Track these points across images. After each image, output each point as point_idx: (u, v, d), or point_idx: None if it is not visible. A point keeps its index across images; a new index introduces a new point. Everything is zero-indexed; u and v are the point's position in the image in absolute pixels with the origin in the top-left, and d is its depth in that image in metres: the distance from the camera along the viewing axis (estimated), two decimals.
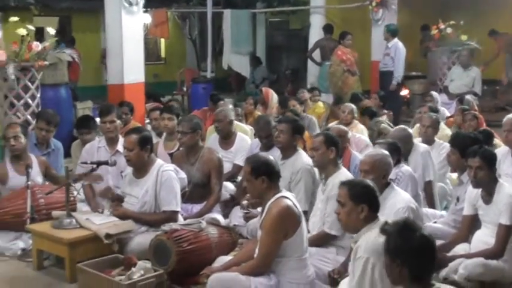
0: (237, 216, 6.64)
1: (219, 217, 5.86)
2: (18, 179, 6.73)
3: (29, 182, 6.39)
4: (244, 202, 6.39)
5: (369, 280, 3.91)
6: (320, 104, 11.77)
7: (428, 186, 6.82)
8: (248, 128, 8.98)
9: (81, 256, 5.51)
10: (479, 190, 5.35)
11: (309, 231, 5.26)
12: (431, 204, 6.76)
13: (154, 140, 7.13)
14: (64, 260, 5.64)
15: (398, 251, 3.32)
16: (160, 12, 16.69)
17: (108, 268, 5.32)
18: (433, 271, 3.40)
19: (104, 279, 5.09)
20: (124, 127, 7.98)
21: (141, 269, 5.10)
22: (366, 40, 14.94)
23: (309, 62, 15.10)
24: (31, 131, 7.80)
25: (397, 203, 4.98)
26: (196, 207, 6.66)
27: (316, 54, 14.55)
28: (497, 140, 7.79)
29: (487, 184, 5.26)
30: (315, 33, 15.26)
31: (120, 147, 6.91)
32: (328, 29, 14.41)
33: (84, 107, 11.66)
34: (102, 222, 5.73)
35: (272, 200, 4.69)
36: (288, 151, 6.40)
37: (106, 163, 6.27)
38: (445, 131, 8.64)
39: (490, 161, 5.27)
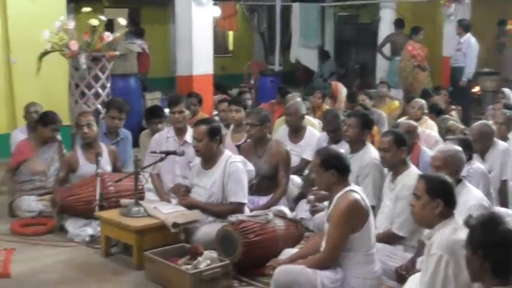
0: (303, 209, 6.63)
1: (286, 210, 5.87)
2: (88, 167, 6.86)
3: (99, 170, 6.49)
4: (311, 196, 6.37)
5: (442, 278, 3.82)
6: (396, 102, 11.58)
7: (503, 185, 6.67)
8: (316, 121, 8.95)
9: (148, 244, 5.58)
10: None
11: (375, 228, 5.21)
12: (505, 204, 6.61)
13: (223, 131, 7.17)
14: (131, 247, 5.72)
15: (481, 243, 3.20)
16: (229, 5, 16.76)
17: (175, 257, 5.39)
18: None
19: (170, 267, 5.16)
20: (192, 118, 8.06)
21: (207, 259, 5.15)
22: (437, 35, 14.72)
23: (378, 57, 14.97)
24: (101, 120, 7.94)
25: (469, 200, 4.88)
26: (263, 200, 6.68)
27: (386, 49, 14.40)
28: None
29: None
30: (385, 28, 15.11)
31: (188, 137, 6.98)
32: (399, 23, 14.24)
33: (153, 98, 11.84)
34: (170, 212, 5.79)
35: (340, 193, 4.66)
36: (357, 145, 6.36)
37: (174, 153, 6.34)
38: None
39: None
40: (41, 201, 7.06)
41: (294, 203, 6.98)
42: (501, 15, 15.65)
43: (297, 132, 7.92)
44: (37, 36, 8.10)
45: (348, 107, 10.30)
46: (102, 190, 6.36)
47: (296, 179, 7.33)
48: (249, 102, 10.42)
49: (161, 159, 6.26)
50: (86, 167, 6.90)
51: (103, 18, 8.38)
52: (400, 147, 5.52)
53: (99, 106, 8.32)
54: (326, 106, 10.60)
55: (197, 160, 6.24)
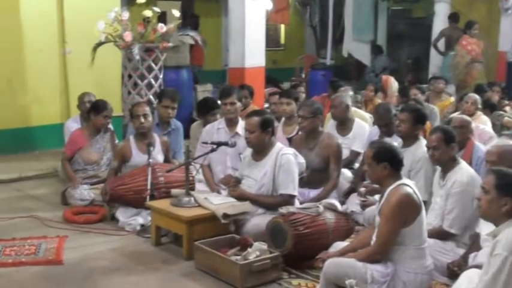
0: (354, 203, 6.58)
1: (336, 203, 5.83)
2: (140, 157, 6.91)
3: (151, 160, 6.56)
4: (362, 189, 6.32)
5: (505, 278, 3.70)
6: (451, 99, 11.43)
7: None
8: (368, 115, 8.88)
9: (198, 234, 5.61)
10: None
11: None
12: None
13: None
14: (181, 237, 5.75)
15: None
16: None
17: (224, 248, 5.41)
18: None
19: (220, 258, 5.18)
20: (243, 110, 8.07)
21: (257, 250, 5.15)
22: (494, 30, 14.46)
23: (432, 52, 14.77)
24: (154, 110, 7.99)
25: None
26: (314, 193, 6.65)
27: (441, 44, 14.21)
28: None
29: None
30: (439, 22, 14.88)
31: (239, 129, 7.00)
32: (454, 17, 14.02)
33: (204, 90, 11.89)
34: (220, 203, 5.81)
35: (392, 186, 4.61)
36: (409, 140, 6.29)
37: (226, 144, 6.34)
38: None
39: None
40: (93, 190, 7.16)
41: (344, 197, 6.94)
42: None
43: (343, 124, 7.87)
44: (92, 28, 8.20)
45: (400, 102, 10.21)
46: (153, 180, 6.41)
47: (346, 173, 7.28)
48: (302, 96, 10.39)
49: (212, 150, 6.27)
50: (138, 157, 6.95)
51: (157, 9, 8.44)
52: (450, 144, 5.43)
53: (151, 97, 8.38)
54: (378, 100, 10.52)
55: (248, 151, 6.24)
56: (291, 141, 7.19)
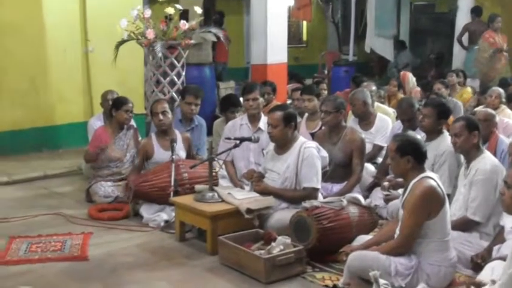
0: (377, 197, 6.59)
1: (360, 197, 5.83)
2: (162, 154, 6.97)
3: (174, 156, 6.60)
4: (385, 183, 6.33)
5: None
6: (468, 89, 11.44)
7: None
8: (391, 110, 8.86)
9: (222, 229, 5.64)
10: None
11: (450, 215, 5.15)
12: None
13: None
14: (205, 232, 5.78)
15: None
16: None
17: (248, 242, 5.43)
18: None
19: (244, 252, 5.20)
20: (266, 106, 8.10)
21: (281, 245, 5.17)
22: None
23: (455, 47, 14.68)
24: (176, 108, 8.04)
25: None
26: (337, 187, 6.68)
27: (464, 38, 14.13)
28: None
29: None
30: (463, 17, 14.78)
31: (262, 125, 7.04)
32: (477, 11, 13.94)
33: (227, 87, 11.93)
34: (244, 197, 5.84)
35: (416, 179, 4.63)
36: (433, 134, 6.28)
37: (249, 139, 6.37)
38: None
39: None
40: (117, 186, 7.22)
41: (367, 191, 6.95)
42: None
43: (365, 119, 7.88)
44: (114, 25, 8.24)
45: (423, 96, 10.19)
46: (176, 176, 6.45)
47: (370, 167, 7.28)
48: (325, 93, 10.40)
49: (235, 146, 6.29)
50: (160, 154, 7.01)
51: (179, 6, 8.48)
52: (472, 131, 5.42)
53: (174, 94, 8.43)
54: (401, 95, 10.51)
55: (271, 146, 6.27)
56: (314, 136, 7.19)
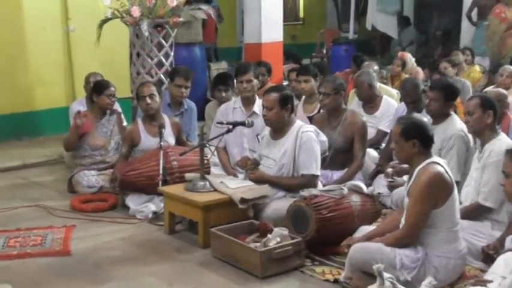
0: (380, 184, 6.59)
1: (362, 185, 5.81)
2: (150, 141, 6.96)
3: (162, 143, 6.58)
4: (389, 170, 6.33)
5: None
6: (476, 67, 11.43)
7: None
8: (394, 91, 8.85)
9: (215, 221, 5.62)
10: None
11: (461, 203, 5.13)
12: None
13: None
14: (197, 224, 5.77)
15: None
16: None
17: (243, 234, 5.43)
18: None
19: (238, 245, 5.19)
20: (261, 88, 8.07)
21: (278, 236, 5.15)
22: None
23: (463, 23, 14.65)
24: (164, 91, 8.01)
25: None
26: (337, 175, 6.67)
27: (473, 14, 14.09)
28: None
29: None
30: None
31: (256, 108, 7.02)
32: None
33: (219, 68, 11.88)
34: (237, 186, 5.82)
35: (422, 165, 4.61)
36: (440, 117, 6.24)
37: (243, 124, 6.34)
38: None
39: None
40: (102, 176, 7.21)
41: (370, 179, 6.94)
42: None
43: (370, 102, 7.87)
44: (97, 3, 8.22)
45: (428, 76, 10.17)
46: (165, 164, 6.45)
47: (372, 153, 7.28)
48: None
49: (228, 131, 6.27)
50: (147, 141, 6.99)
51: None
52: (486, 110, 5.36)
53: (162, 76, 8.39)
54: (405, 75, 10.48)
55: (266, 131, 6.25)
56: (312, 120, 7.17)
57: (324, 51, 16.91)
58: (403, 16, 17.56)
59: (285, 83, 10.34)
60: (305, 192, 5.47)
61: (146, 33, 8.12)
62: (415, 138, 4.63)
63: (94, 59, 9.69)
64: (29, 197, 7.23)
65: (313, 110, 7.69)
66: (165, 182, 6.36)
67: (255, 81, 7.16)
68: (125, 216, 6.52)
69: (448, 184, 4.57)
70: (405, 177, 5.64)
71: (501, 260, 4.26)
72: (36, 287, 5.03)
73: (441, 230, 4.59)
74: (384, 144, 7.60)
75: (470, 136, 5.94)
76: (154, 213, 6.45)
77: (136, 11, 8.09)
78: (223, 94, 7.98)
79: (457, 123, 6.09)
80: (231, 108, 7.20)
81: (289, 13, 19.43)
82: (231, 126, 6.29)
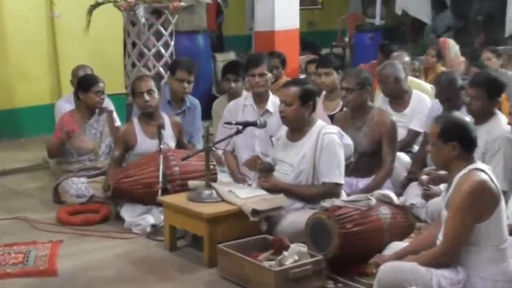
0: (413, 194, 6.58)
1: (392, 194, 5.80)
2: (147, 143, 6.96)
3: (162, 146, 6.58)
4: (424, 177, 6.30)
5: None
6: None
7: None
8: (428, 86, 8.81)
9: (223, 236, 5.62)
10: None
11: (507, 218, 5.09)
12: None
13: None
14: (202, 239, 5.76)
15: None
16: None
17: (255, 251, 5.43)
18: None
19: (250, 263, 5.19)
20: (274, 83, 8.06)
21: (295, 254, 5.14)
22: None
23: (509, 6, 14.59)
24: (164, 86, 8.01)
25: None
26: (363, 182, 6.66)
27: None
28: None
29: None
30: None
31: (270, 106, 7.02)
32: None
33: (226, 59, 11.87)
34: (249, 196, 5.82)
35: (463, 172, 4.57)
36: (483, 117, 6.19)
37: (254, 124, 6.33)
38: None
39: None
40: (92, 183, 7.21)
41: (401, 187, 6.93)
42: None
43: (397, 98, 7.85)
44: None
45: (468, 69, 10.12)
46: (165, 170, 6.45)
47: (403, 157, 7.25)
48: None
49: (237, 132, 6.25)
50: (144, 143, 7.00)
51: None
52: None
53: (161, 69, 8.39)
54: (441, 67, 10.44)
55: (282, 131, 6.25)
56: (333, 119, 7.17)
57: (346, 39, 16.87)
58: None
59: (302, 76, 10.32)
60: (326, 203, 5.46)
61: (142, 20, 8.13)
62: (456, 140, 4.59)
63: (83, 50, 9.72)
64: (9, 208, 7.26)
65: (334, 108, 7.70)
66: (165, 191, 6.36)
67: (269, 74, 7.14)
68: (119, 230, 6.54)
69: (493, 194, 4.53)
70: (443, 186, 5.61)
71: None
72: None
73: (486, 248, 4.54)
74: (416, 147, 7.58)
75: None
76: (153, 226, 6.45)
77: None
78: (233, 85, 7.99)
79: (502, 124, 6.05)
80: (241, 105, 7.20)
81: None
82: (240, 127, 6.27)
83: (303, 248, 5.22)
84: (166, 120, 7.18)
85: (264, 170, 6.16)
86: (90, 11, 8.43)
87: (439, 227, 4.75)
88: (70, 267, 5.70)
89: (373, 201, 5.54)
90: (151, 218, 6.50)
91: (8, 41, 9.89)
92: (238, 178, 6.88)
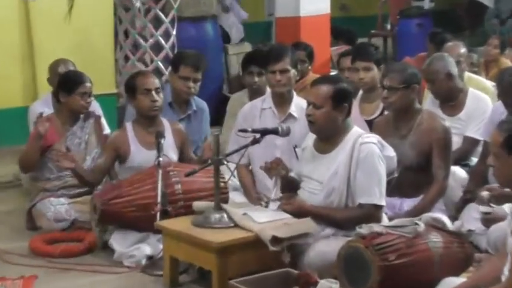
0: (471, 217, 6.55)
1: (445, 218, 5.78)
2: (143, 154, 7.02)
3: (161, 158, 6.58)
4: (484, 193, 6.25)
5: None
6: None
7: None
8: (490, 83, 8.80)
9: (236, 269, 5.63)
10: None
11: None
12: None
13: None
14: (210, 274, 5.75)
15: None
16: None
17: None
18: None
19: None
20: (299, 81, 8.06)
21: None
22: None
23: None
24: (164, 85, 8.02)
25: None
26: (408, 203, 6.68)
27: None
28: None
29: None
30: None
31: (294, 109, 7.05)
32: None
33: (240, 52, 11.91)
34: (268, 220, 5.82)
35: None
36: None
37: (275, 132, 6.33)
38: None
39: None
40: (75, 205, 7.22)
41: (456, 210, 6.92)
42: None
43: (451, 100, 7.83)
44: None
45: None
46: (165, 188, 6.45)
47: (459, 172, 7.24)
48: None
49: (254, 142, 6.24)
50: (139, 154, 7.05)
51: None
52: None
53: (160, 64, 8.41)
54: (507, 61, 10.43)
55: (309, 140, 6.25)
56: (372, 126, 7.20)
57: (388, 26, 16.88)
58: None
59: (333, 72, 10.33)
60: (364, 229, 5.43)
61: (138, 4, 8.17)
62: None
63: (63, 41, 9.76)
64: None
65: (374, 112, 7.73)
66: (165, 214, 6.36)
67: (293, 71, 7.14)
68: (107, 263, 6.54)
69: None
70: (508, 207, 5.59)
71: None
72: None
73: None
74: (475, 159, 7.57)
75: None
76: (150, 258, 6.48)
77: None
78: (256, 79, 8.02)
79: None
80: (259, 109, 7.22)
81: None
82: (258, 135, 6.25)
83: (335, 285, 5.24)
84: (167, 126, 7.22)
85: (287, 182, 6.17)
86: None
87: (504, 259, 4.73)
88: None
89: (422, 227, 5.51)
90: (148, 247, 6.53)
91: None
92: (255, 198, 6.89)
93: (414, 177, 6.74)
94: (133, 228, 6.62)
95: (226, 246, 5.63)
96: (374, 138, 6.08)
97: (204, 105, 8.02)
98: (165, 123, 7.24)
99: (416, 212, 6.27)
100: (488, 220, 6.21)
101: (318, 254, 5.74)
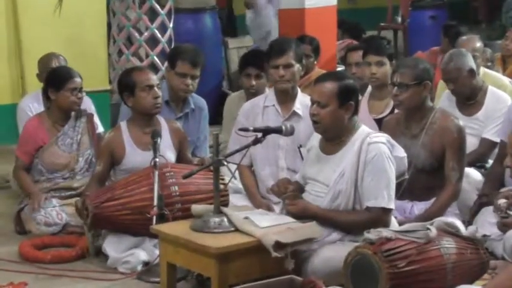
0: (486, 222, 6.58)
1: (458, 222, 5.82)
2: (138, 156, 7.03)
3: (157, 159, 6.60)
4: (501, 201, 6.30)
5: None
6: None
7: None
8: (507, 80, 8.81)
9: (237, 276, 5.64)
10: None
11: None
12: None
13: None
14: (209, 281, 5.77)
15: None
16: None
17: None
18: None
19: None
20: (304, 77, 8.08)
21: None
22: None
23: None
24: (161, 82, 8.04)
25: None
26: (419, 207, 6.71)
27: None
28: None
29: None
30: None
31: (298, 107, 7.07)
32: None
33: (241, 46, 11.91)
34: (271, 225, 5.82)
35: None
36: None
37: (278, 131, 6.28)
38: None
39: None
40: (67, 208, 7.25)
41: (470, 214, 6.94)
42: None
43: (471, 98, 7.87)
44: None
45: None
46: (161, 191, 6.49)
47: (473, 174, 7.27)
48: None
49: (256, 141, 6.20)
50: (135, 156, 7.06)
51: None
52: None
53: (156, 59, 8.43)
54: None
55: (314, 140, 6.28)
56: (381, 125, 7.22)
57: (399, 19, 16.87)
58: None
59: (340, 68, 10.34)
60: (372, 234, 5.47)
61: None
62: None
63: (53, 35, 9.76)
64: None
65: (383, 110, 7.77)
66: (162, 218, 6.40)
67: (297, 65, 7.14)
68: (101, 269, 6.58)
69: None
70: None
71: None
72: None
73: None
74: (491, 161, 7.59)
75: None
76: (146, 264, 6.52)
77: None
78: (253, 82, 8.03)
79: None
80: (261, 107, 7.24)
81: None
82: (260, 135, 6.22)
83: None
84: (164, 125, 7.23)
85: (293, 192, 6.19)
86: None
87: None
88: None
89: (434, 232, 5.54)
90: (143, 253, 6.56)
91: None
92: (257, 201, 6.93)
93: (426, 180, 6.77)
94: (128, 233, 6.65)
95: (226, 251, 5.62)
96: (383, 137, 6.08)
97: (203, 103, 8.04)
98: (162, 121, 7.25)
99: (427, 216, 6.29)
100: (505, 225, 6.27)
101: (324, 260, 5.76)
